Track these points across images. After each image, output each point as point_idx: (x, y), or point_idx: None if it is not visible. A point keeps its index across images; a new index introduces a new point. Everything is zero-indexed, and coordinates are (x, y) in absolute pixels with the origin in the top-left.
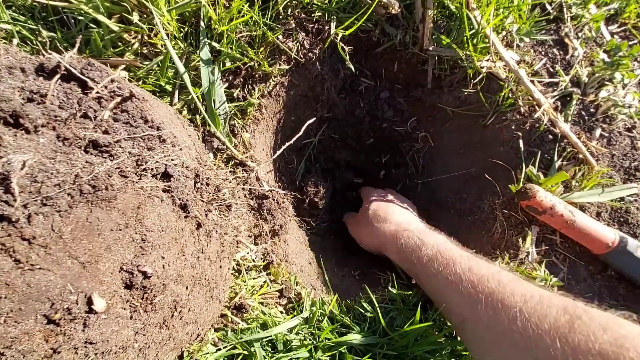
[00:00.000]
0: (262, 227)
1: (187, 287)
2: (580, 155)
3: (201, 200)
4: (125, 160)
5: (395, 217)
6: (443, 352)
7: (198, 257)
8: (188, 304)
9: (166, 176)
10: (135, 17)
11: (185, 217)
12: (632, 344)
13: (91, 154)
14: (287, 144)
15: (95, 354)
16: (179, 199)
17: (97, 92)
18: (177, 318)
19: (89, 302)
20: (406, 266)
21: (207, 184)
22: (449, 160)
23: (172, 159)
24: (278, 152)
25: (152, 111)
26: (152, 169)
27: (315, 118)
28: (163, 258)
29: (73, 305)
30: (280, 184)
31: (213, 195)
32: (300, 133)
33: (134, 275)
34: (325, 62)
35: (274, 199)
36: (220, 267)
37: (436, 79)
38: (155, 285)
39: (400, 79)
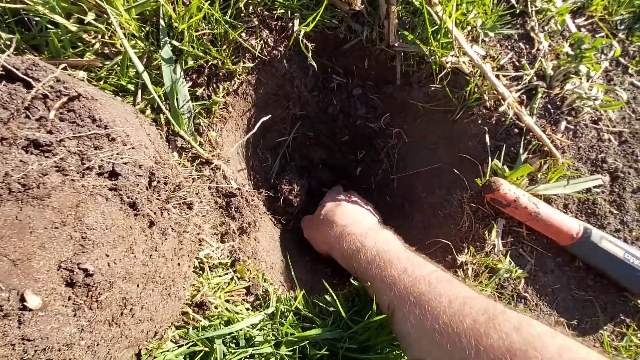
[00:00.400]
0: (229, 225)
1: (138, 285)
2: (546, 148)
3: (157, 199)
4: (66, 159)
5: (343, 220)
6: None
7: (150, 255)
8: (140, 302)
9: (114, 174)
10: (89, 17)
11: (135, 215)
12: (540, 343)
13: (32, 153)
14: (240, 142)
15: (35, 351)
16: (128, 197)
17: (38, 91)
18: (128, 315)
19: (22, 299)
20: (350, 269)
21: (165, 183)
22: (422, 155)
23: (121, 158)
24: (233, 148)
25: (101, 110)
26: (97, 168)
27: (270, 115)
28: (107, 256)
29: (4, 302)
30: (253, 182)
31: (171, 194)
32: (255, 130)
33: (75, 272)
34: (293, 59)
35: (242, 197)
36: (179, 264)
37: (405, 75)
38: (100, 283)
39: (371, 76)
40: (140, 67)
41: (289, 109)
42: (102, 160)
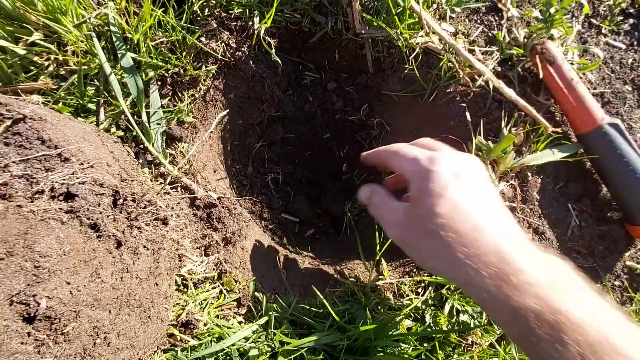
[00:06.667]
0: (212, 236)
1: (110, 311)
2: (530, 118)
3: (125, 218)
4: (11, 184)
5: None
6: (412, 338)
7: (121, 278)
8: (116, 329)
9: (69, 196)
10: (35, 37)
11: (99, 237)
12: None
13: None
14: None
15: None
16: (88, 219)
17: None
18: (102, 345)
19: None
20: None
21: (134, 200)
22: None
23: (77, 177)
24: (191, 152)
25: (51, 130)
26: (48, 190)
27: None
28: (69, 283)
29: None
30: (237, 190)
31: (142, 211)
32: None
33: (31, 306)
34: (260, 60)
35: (224, 207)
36: (157, 284)
37: (376, 62)
38: (64, 314)
39: (344, 68)
40: (108, 69)
41: (264, 112)
42: (54, 182)
